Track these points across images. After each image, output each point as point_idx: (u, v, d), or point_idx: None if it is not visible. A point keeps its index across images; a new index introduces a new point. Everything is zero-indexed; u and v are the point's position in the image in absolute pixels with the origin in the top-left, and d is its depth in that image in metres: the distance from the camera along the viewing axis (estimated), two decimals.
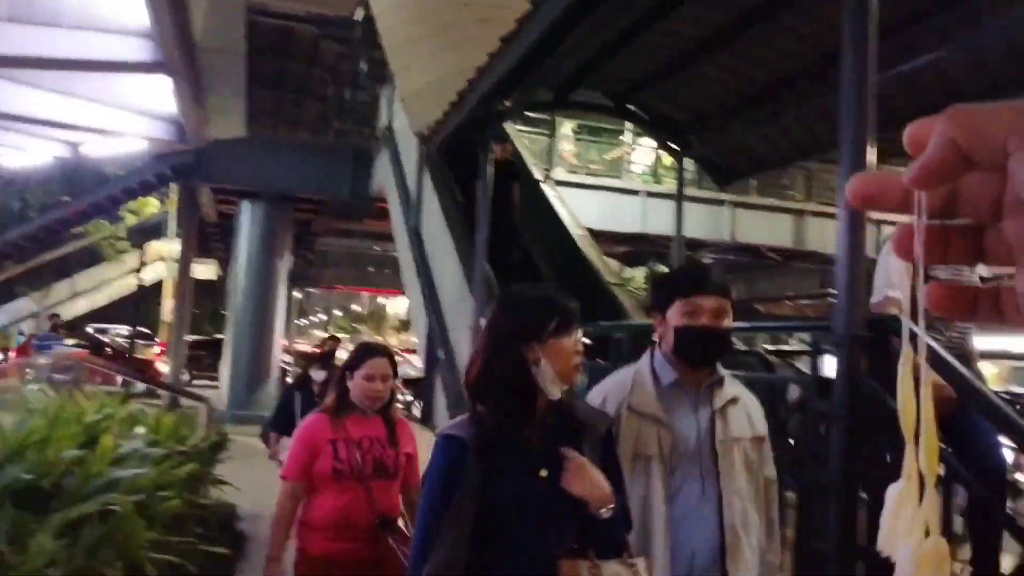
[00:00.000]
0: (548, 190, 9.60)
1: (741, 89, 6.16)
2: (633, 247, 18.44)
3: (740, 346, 10.87)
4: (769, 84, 5.91)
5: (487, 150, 6.72)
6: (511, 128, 10.35)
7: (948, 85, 4.97)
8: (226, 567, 4.72)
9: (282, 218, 15.93)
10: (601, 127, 16.52)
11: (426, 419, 8.12)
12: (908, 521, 0.42)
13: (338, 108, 20.52)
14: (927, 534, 0.41)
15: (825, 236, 16.58)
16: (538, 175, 9.94)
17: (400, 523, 2.91)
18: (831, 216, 16.30)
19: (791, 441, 2.94)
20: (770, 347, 7.88)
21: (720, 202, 15.49)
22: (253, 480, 6.58)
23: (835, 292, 2.69)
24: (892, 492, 0.44)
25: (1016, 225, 0.37)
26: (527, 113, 11.81)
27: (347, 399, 2.87)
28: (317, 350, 7.91)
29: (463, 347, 7.14)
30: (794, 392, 2.84)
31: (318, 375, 5.84)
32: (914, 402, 0.43)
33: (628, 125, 15.49)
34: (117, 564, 2.53)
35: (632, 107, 7.26)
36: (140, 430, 4.20)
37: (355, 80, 21.67)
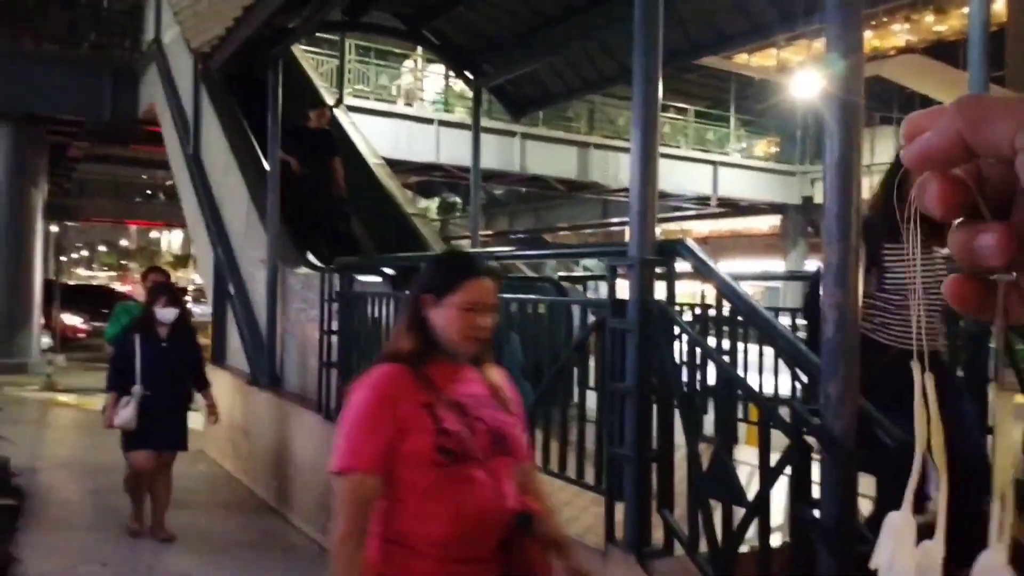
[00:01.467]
0: (342, 116, 9.29)
1: (529, 18, 6.27)
2: (427, 177, 18.43)
3: (531, 273, 11.37)
4: (556, 14, 6.06)
5: (276, 72, 6.37)
6: (298, 50, 9.83)
7: (715, 25, 5.39)
8: (7, 521, 4.36)
9: (34, 142, 14.11)
10: (391, 51, 16.13)
11: (218, 359, 7.77)
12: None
13: (93, 17, 18.28)
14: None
15: (607, 168, 17.54)
16: (330, 100, 9.57)
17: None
18: (613, 149, 17.26)
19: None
20: (561, 273, 8.32)
21: (511, 133, 15.81)
22: (24, 433, 6.02)
23: (617, 221, 2.90)
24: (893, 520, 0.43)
25: None
26: (317, 34, 11.26)
27: (433, 340, 1.81)
28: (130, 285, 6.94)
29: (257, 280, 6.85)
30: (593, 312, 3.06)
31: (166, 314, 4.95)
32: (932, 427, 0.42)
33: (420, 51, 15.26)
34: None
35: (427, 33, 7.17)
36: None
37: None
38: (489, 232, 27.20)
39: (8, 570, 3.95)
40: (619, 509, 2.71)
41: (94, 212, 28.94)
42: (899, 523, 0.43)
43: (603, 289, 2.91)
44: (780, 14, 5.03)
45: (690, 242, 2.78)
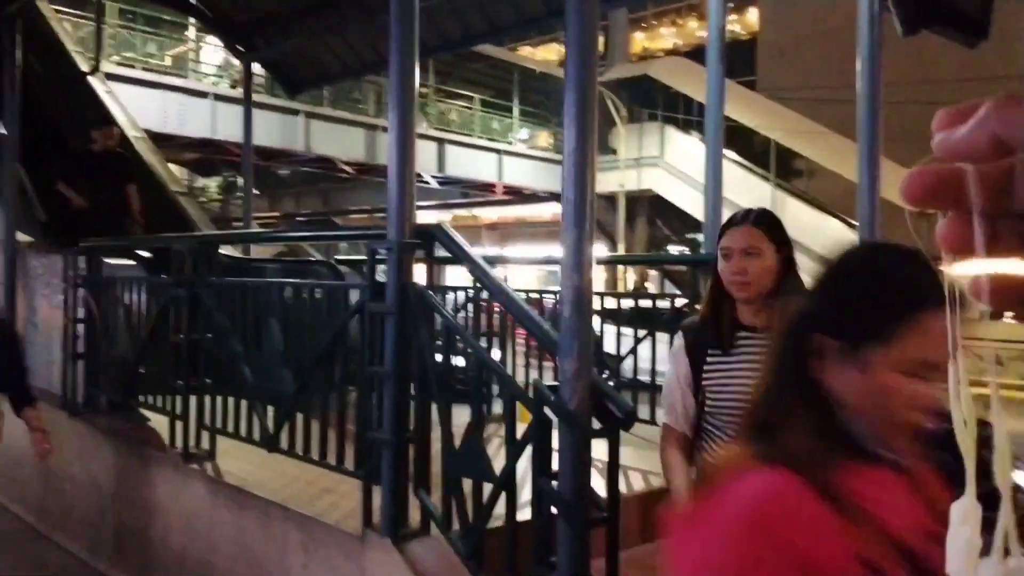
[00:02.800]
0: (97, 84, 8.47)
1: None
2: (203, 154, 17.30)
3: (316, 256, 11.07)
4: None
5: (13, 33, 5.68)
6: (46, 7, 8.83)
7: (487, 16, 5.54)
8: None
9: None
10: (160, 17, 14.93)
11: None
12: (975, 539, 0.41)
13: None
14: (1006, 552, 0.39)
15: None
16: (84, 67, 8.68)
17: None
18: None
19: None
20: (342, 257, 8.16)
21: (294, 112, 15.26)
22: None
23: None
24: (956, 510, 0.43)
25: None
26: None
27: (840, 425, 0.95)
28: None
29: None
30: (354, 296, 3.03)
31: None
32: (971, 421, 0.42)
33: (193, 20, 14.25)
34: None
35: (195, 1, 6.72)
36: None
37: None
38: (275, 214, 26.11)
39: None
40: (378, 493, 2.72)
41: None
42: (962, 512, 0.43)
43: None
44: (548, 9, 5.24)
45: (447, 227, 2.83)
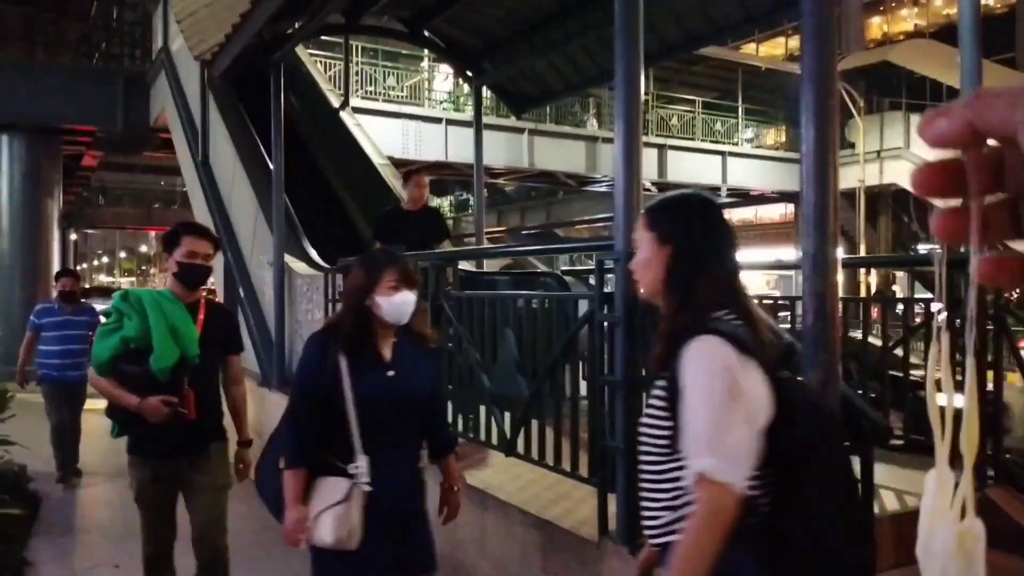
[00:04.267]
0: (347, 119, 9.36)
1: (527, 15, 6.29)
2: (437, 175, 18.47)
3: (542, 267, 11.40)
4: (554, 11, 6.07)
5: (278, 77, 6.43)
6: (303, 52, 9.91)
7: (710, 16, 5.40)
8: (23, 528, 4.44)
9: (48, 153, 14.33)
10: (399, 52, 16.19)
11: None
12: (947, 504, 0.43)
13: (104, 29, 18.49)
14: (963, 515, 0.42)
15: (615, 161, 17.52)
16: (335, 103, 9.64)
17: None
18: None
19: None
20: (568, 268, 8.34)
21: (519, 130, 15.83)
22: (42, 439, 6.11)
23: None
24: (931, 479, 0.44)
25: None
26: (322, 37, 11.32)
27: None
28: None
29: (265, 282, 6.93)
30: (583, 306, 3.08)
31: (401, 308, 3.90)
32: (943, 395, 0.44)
33: (425, 51, 15.30)
34: None
35: (427, 33, 7.20)
36: None
37: None
38: (502, 228, 27.22)
39: (21, 575, 4.04)
40: (612, 501, 2.74)
41: (113, 219, 29.26)
42: (933, 482, 0.45)
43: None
44: (775, 3, 5.02)
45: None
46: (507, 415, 3.48)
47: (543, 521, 3.07)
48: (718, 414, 1.43)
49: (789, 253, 20.52)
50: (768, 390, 1.49)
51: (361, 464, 2.28)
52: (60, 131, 14.29)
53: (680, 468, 1.49)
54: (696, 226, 1.62)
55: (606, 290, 2.82)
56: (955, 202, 0.44)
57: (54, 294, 7.02)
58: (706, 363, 1.47)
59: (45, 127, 13.90)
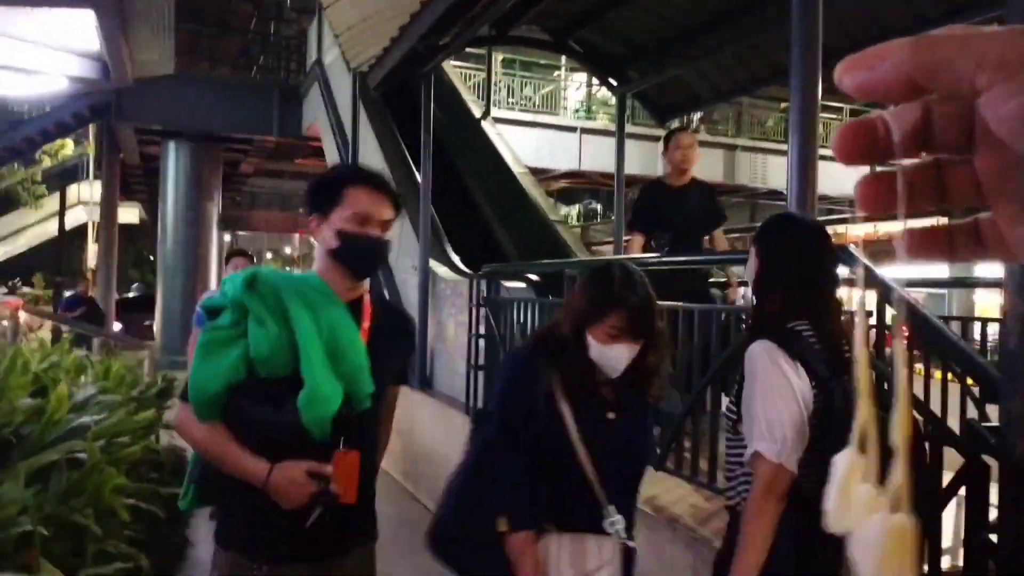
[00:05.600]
0: (488, 128, 9.54)
1: (679, 23, 6.20)
2: (568, 183, 18.54)
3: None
4: (706, 19, 5.97)
5: (428, 88, 6.64)
6: (447, 65, 10.19)
7: (880, 20, 5.12)
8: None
9: (210, 159, 15.44)
10: (534, 62, 16.38)
11: None
12: (862, 494, 0.38)
13: (262, 43, 19.74)
14: (893, 509, 0.37)
15: (754, 170, 16.99)
16: (477, 112, 9.85)
17: None
18: (762, 151, 16.71)
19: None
20: (714, 279, 8.14)
21: (655, 138, 15.63)
22: None
23: None
24: (840, 461, 0.39)
25: (987, 162, 0.36)
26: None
27: None
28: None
29: (409, 287, 7.15)
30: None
31: (617, 355, 3.71)
32: (869, 365, 0.40)
33: (562, 60, 15.40)
34: (87, 511, 2.53)
35: (572, 43, 7.24)
36: (88, 378, 4.13)
37: (279, 13, 20.81)
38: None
39: (184, 555, 4.31)
40: None
41: (263, 223, 31.12)
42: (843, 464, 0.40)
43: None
44: (948, 5, 4.71)
45: (852, 247, 2.66)
46: (656, 429, 3.43)
47: (694, 539, 3.00)
48: (769, 405, 1.74)
49: (939, 270, 19.22)
50: (812, 390, 1.76)
51: (616, 516, 1.85)
52: (221, 139, 15.35)
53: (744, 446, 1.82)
54: (779, 245, 1.89)
55: None
56: (879, 168, 0.39)
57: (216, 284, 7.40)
58: (761, 363, 1.78)
59: (208, 135, 14.96)
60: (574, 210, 28.81)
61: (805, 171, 2.61)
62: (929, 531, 2.16)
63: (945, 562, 2.25)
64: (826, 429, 1.73)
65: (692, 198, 4.51)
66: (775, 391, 1.75)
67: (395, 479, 6.86)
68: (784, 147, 16.04)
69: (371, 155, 8.79)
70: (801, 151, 2.62)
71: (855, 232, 23.84)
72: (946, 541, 2.23)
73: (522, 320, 4.79)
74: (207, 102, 14.62)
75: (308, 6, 16.48)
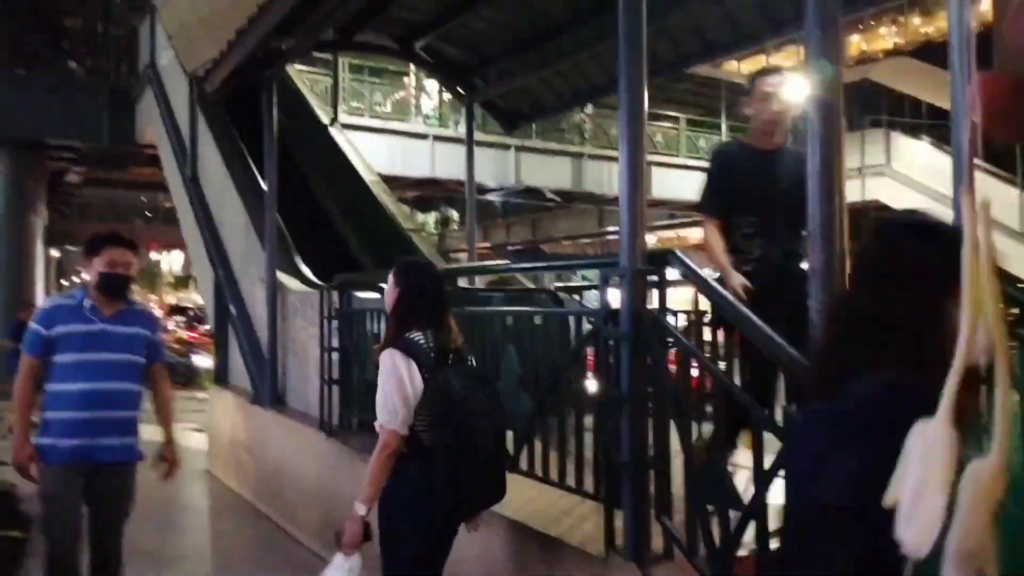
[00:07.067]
0: (337, 135, 9.38)
1: (520, 33, 6.35)
2: (423, 192, 18.51)
3: (528, 284, 11.35)
4: (547, 28, 6.13)
5: (270, 93, 6.44)
6: (292, 69, 9.93)
7: (702, 35, 5.48)
8: (19, 549, 4.38)
9: (32, 168, 14.24)
10: (385, 68, 16.24)
11: (221, 379, 7.81)
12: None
13: (88, 43, 18.42)
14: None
15: (602, 178, 17.64)
16: (324, 119, 9.66)
17: None
18: (607, 159, 17.36)
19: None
20: (559, 284, 8.37)
21: (506, 146, 15.92)
22: None
23: (614, 230, 2.94)
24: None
25: None
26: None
27: None
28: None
29: (257, 300, 6.90)
30: (585, 323, 3.10)
31: None
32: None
33: (412, 67, 15.35)
34: None
35: (418, 50, 7.24)
36: None
37: (107, 11, 19.47)
38: (487, 244, 27.25)
39: None
40: (619, 517, 2.75)
41: None
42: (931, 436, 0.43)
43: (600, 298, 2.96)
44: (767, 22, 5.10)
45: (679, 251, 2.82)
46: (509, 433, 3.48)
47: (547, 537, 3.07)
48: (388, 391, 2.64)
49: None
50: (422, 376, 2.65)
51: None
52: (45, 146, 14.20)
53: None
54: (410, 282, 2.87)
55: (612, 307, 2.84)
56: None
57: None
58: (384, 364, 2.68)
59: (30, 142, 13.81)
60: (431, 218, 28.79)
61: (635, 177, 2.74)
62: (756, 514, 2.32)
63: (775, 543, 2.42)
64: (444, 392, 2.60)
65: (786, 167, 3.16)
66: (391, 382, 2.63)
67: (247, 500, 6.59)
68: None
69: (212, 164, 8.42)
70: (631, 158, 2.75)
71: (694, 235, 25.28)
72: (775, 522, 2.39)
73: (376, 331, 4.74)
74: (28, 105, 13.49)
75: (138, 3, 15.56)
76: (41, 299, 14.67)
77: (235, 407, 7.07)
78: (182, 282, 38.45)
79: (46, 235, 15.73)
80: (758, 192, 3.23)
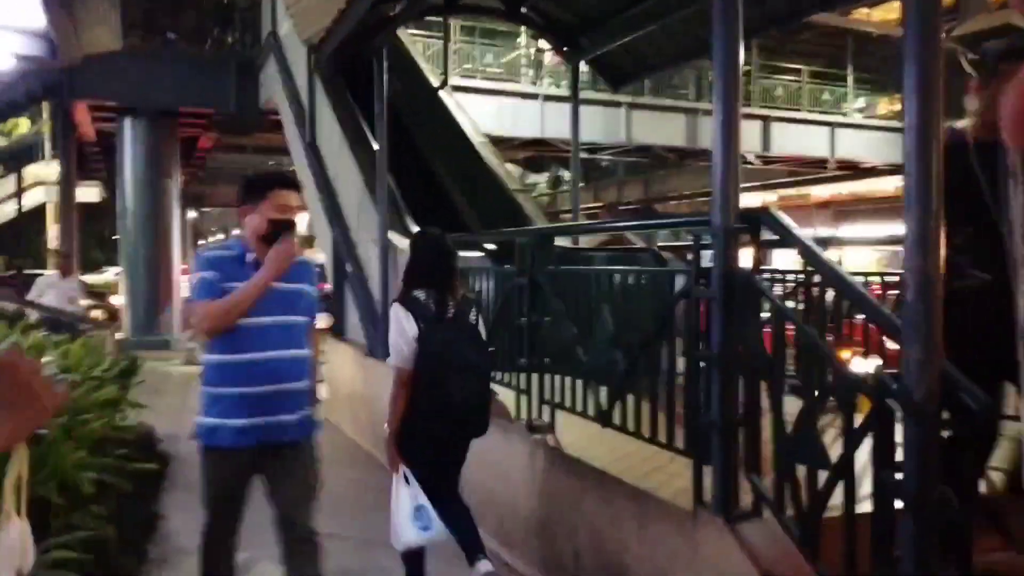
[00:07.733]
0: (446, 97, 9.54)
1: None
2: (534, 151, 18.54)
3: (639, 243, 11.32)
4: None
5: (381, 59, 6.64)
6: (405, 34, 10.14)
7: None
8: (153, 484, 4.83)
9: (167, 135, 15.22)
10: (496, 30, 16.29)
11: (339, 333, 8.24)
12: None
13: (217, 16, 19.36)
14: None
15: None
16: (435, 82, 9.84)
17: None
18: None
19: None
20: (665, 243, 8.30)
21: (616, 104, 15.68)
22: (167, 403, 6.63)
23: None
24: None
25: None
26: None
27: None
28: None
29: (371, 260, 7.21)
30: (680, 281, 3.12)
31: None
32: None
33: (524, 28, 15.33)
34: (50, 484, 2.61)
35: (525, 10, 7.26)
36: (48, 358, 4.17)
37: None
38: (599, 204, 27.07)
39: (154, 527, 4.42)
40: (708, 474, 2.79)
41: (225, 199, 30.75)
42: None
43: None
44: None
45: (774, 210, 2.79)
46: (603, 388, 3.57)
47: (639, 491, 3.15)
48: (394, 338, 3.32)
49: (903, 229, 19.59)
50: (418, 328, 3.27)
51: None
52: (177, 114, 15.12)
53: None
54: (417, 249, 3.62)
55: (703, 265, 2.85)
56: None
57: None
58: (392, 315, 3.37)
59: (163, 110, 14.74)
60: (543, 178, 28.84)
61: (729, 134, 2.73)
62: (843, 474, 2.32)
63: (863, 506, 2.40)
64: (424, 346, 3.23)
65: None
66: (394, 329, 3.30)
67: (364, 449, 6.98)
68: (748, 110, 16.19)
69: (328, 127, 8.77)
70: (725, 114, 2.73)
71: (819, 194, 24.19)
72: (865, 488, 2.36)
73: (478, 289, 4.90)
74: (162, 77, 14.39)
75: None
76: (178, 256, 15.75)
77: (352, 359, 7.46)
78: (308, 241, 40.19)
79: (181, 197, 16.80)
80: (978, 197, 2.64)
